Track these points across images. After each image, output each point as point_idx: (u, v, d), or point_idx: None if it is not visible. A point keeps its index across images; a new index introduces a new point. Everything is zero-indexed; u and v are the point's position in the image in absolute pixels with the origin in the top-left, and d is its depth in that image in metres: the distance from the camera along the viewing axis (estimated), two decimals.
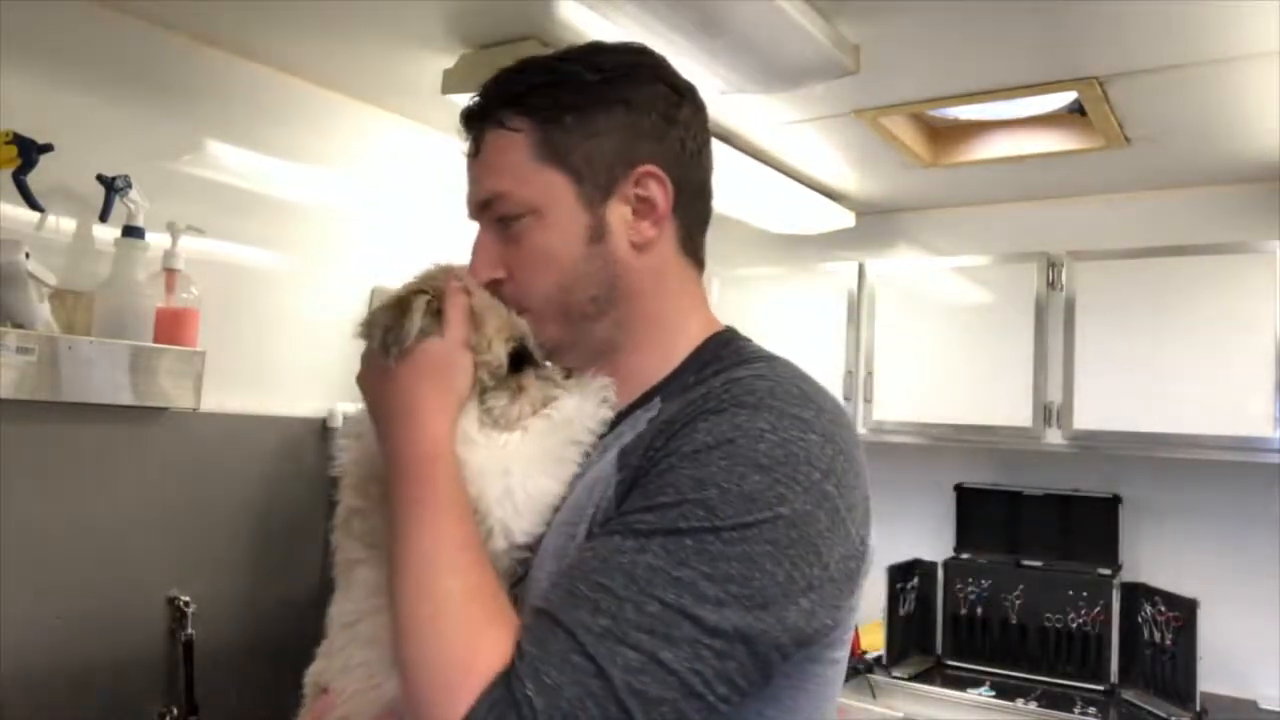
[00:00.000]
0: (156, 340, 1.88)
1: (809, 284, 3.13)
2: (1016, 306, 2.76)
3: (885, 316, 2.97)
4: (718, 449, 0.72)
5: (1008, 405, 2.73)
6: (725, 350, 0.89)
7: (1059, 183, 2.85)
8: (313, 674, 0.89)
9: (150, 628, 1.96)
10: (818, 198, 2.94)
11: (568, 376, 0.90)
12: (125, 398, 1.82)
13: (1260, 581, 2.62)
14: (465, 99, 0.92)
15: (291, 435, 2.24)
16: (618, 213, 0.87)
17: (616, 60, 0.89)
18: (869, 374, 2.96)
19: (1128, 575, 2.73)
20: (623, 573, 0.69)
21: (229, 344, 2.07)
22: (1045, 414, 2.68)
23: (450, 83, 2.01)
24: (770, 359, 0.85)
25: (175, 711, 1.96)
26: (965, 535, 3.00)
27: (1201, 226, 2.70)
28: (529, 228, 0.87)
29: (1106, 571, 2.72)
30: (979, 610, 2.83)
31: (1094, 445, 2.65)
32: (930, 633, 2.90)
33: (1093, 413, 2.62)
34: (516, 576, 0.82)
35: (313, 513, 2.24)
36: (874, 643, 2.78)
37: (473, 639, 0.71)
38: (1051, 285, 2.72)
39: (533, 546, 0.82)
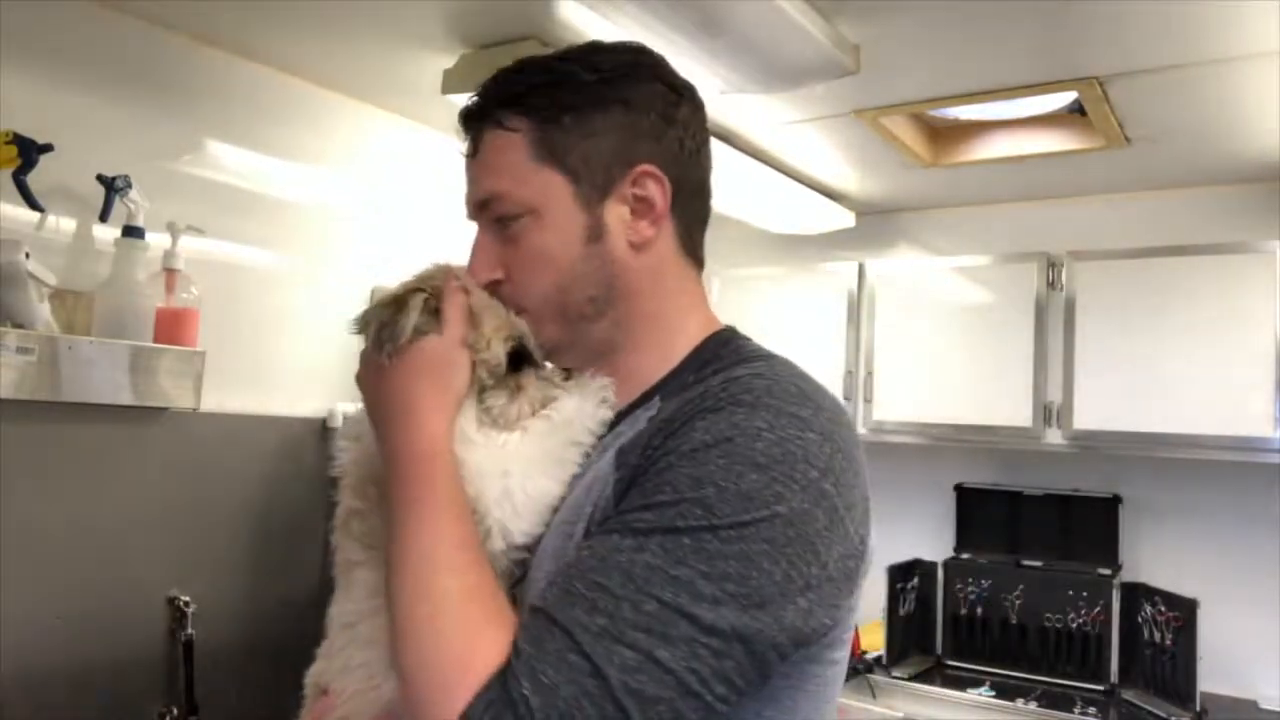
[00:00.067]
0: (156, 340, 1.88)
1: (809, 284, 3.13)
2: (1016, 306, 2.76)
3: (885, 316, 2.97)
4: (715, 447, 0.72)
5: (1008, 405, 2.73)
6: (724, 349, 0.89)
7: (1059, 183, 2.85)
8: (313, 675, 0.89)
9: (150, 628, 1.96)
10: (818, 198, 2.94)
11: (567, 377, 0.90)
12: (125, 398, 1.82)
13: (1260, 581, 2.62)
14: (465, 99, 0.92)
15: (291, 435, 2.24)
16: (616, 212, 0.87)
17: (615, 60, 0.89)
18: (869, 374, 2.96)
19: (1128, 575, 2.73)
20: (620, 571, 0.69)
21: (229, 344, 2.07)
22: (1045, 414, 2.68)
23: (450, 83, 2.01)
24: (769, 357, 0.85)
25: (175, 711, 1.96)
26: (965, 535, 3.00)
27: (1201, 226, 2.70)
28: (527, 228, 0.87)
29: (1106, 571, 2.72)
30: (979, 610, 2.83)
31: (1094, 445, 2.65)
32: (930, 633, 2.90)
33: (1093, 413, 2.62)
34: (515, 577, 0.82)
35: (313, 513, 2.24)
36: (874, 643, 2.78)
37: (470, 638, 0.71)
38: (1051, 285, 2.72)
39: (531, 547, 0.82)
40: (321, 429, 2.30)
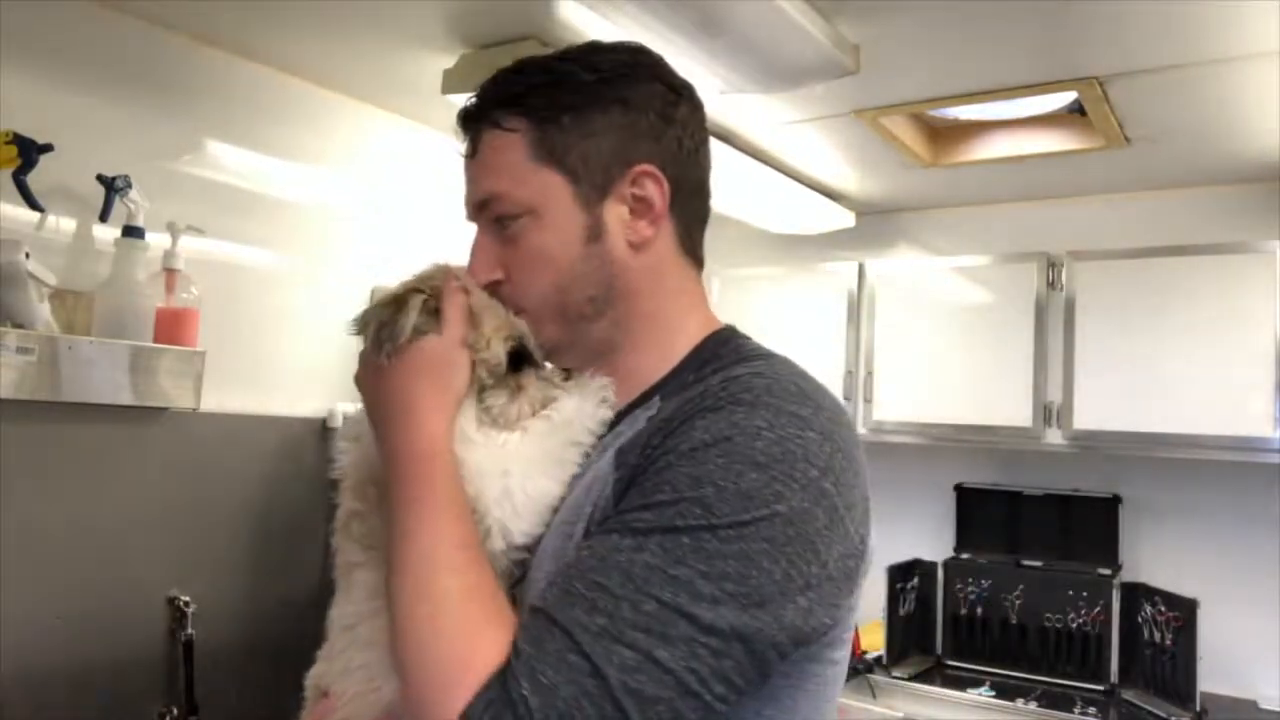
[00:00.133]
0: (156, 340, 1.88)
1: (809, 284, 3.13)
2: (1016, 306, 2.76)
3: (885, 316, 2.97)
4: (715, 447, 0.72)
5: (1008, 405, 2.73)
6: (724, 348, 0.89)
7: (1059, 183, 2.85)
8: (313, 677, 0.89)
9: (150, 628, 1.96)
10: (818, 198, 2.94)
11: (567, 377, 0.90)
12: (125, 398, 1.82)
13: (1260, 581, 2.62)
14: (465, 99, 0.92)
15: (291, 435, 2.24)
16: (615, 212, 0.87)
17: (613, 60, 0.89)
18: (869, 374, 2.96)
19: (1128, 575, 2.73)
20: (619, 571, 0.69)
21: (229, 344, 2.07)
22: (1045, 414, 2.68)
23: (450, 83, 2.01)
24: (769, 356, 0.85)
25: (175, 711, 1.96)
26: (965, 535, 3.00)
27: (1201, 226, 2.70)
28: (526, 228, 0.87)
29: (1106, 571, 2.72)
30: (979, 610, 2.83)
31: (1094, 445, 2.65)
32: (930, 633, 2.90)
33: (1093, 413, 2.62)
34: (515, 577, 0.82)
35: (313, 513, 2.24)
36: (874, 643, 2.78)
37: (470, 638, 0.71)
38: (1051, 285, 2.72)
39: (531, 548, 0.82)
40: (321, 429, 2.30)
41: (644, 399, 0.87)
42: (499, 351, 0.85)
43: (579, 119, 0.86)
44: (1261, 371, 2.40)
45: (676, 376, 0.88)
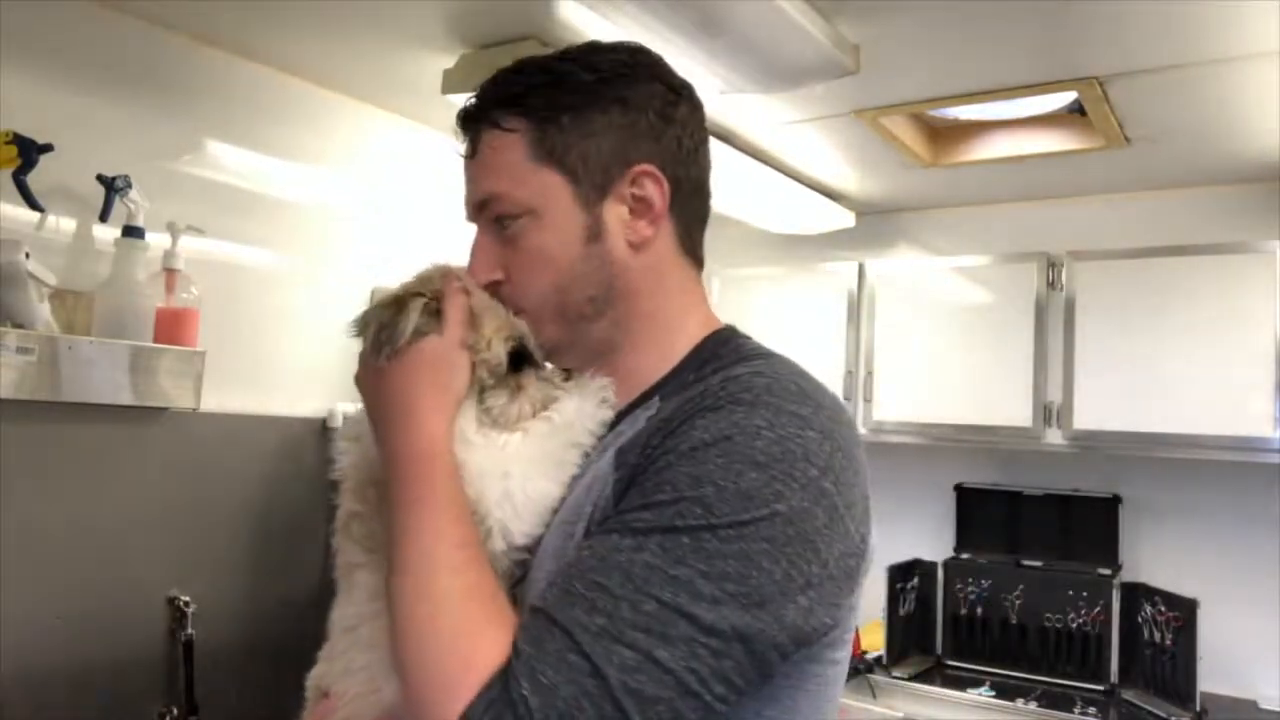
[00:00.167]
0: (156, 340, 1.88)
1: (809, 284, 3.13)
2: (1016, 306, 2.76)
3: (885, 316, 2.97)
4: (714, 446, 0.72)
5: (1008, 405, 2.73)
6: (724, 348, 0.88)
7: (1059, 183, 2.85)
8: (314, 677, 0.89)
9: (150, 628, 1.96)
10: (818, 198, 2.94)
11: (567, 378, 0.90)
12: (125, 398, 1.82)
13: (1260, 581, 2.62)
14: (465, 99, 0.92)
15: (291, 435, 2.24)
16: (614, 212, 0.87)
17: (613, 60, 0.89)
18: (869, 374, 2.96)
19: (1128, 575, 2.73)
20: (619, 571, 0.69)
21: (229, 344, 2.07)
22: (1045, 414, 2.68)
23: (450, 83, 2.01)
24: (769, 356, 0.85)
25: (175, 711, 1.96)
26: (965, 535, 3.00)
27: (1201, 226, 2.70)
28: (526, 228, 0.87)
29: (1106, 571, 2.72)
30: (979, 610, 2.83)
31: (1094, 445, 2.65)
32: (930, 633, 2.90)
33: (1093, 413, 2.62)
34: (516, 577, 0.82)
35: (313, 513, 2.24)
36: (874, 643, 2.78)
37: (471, 638, 0.71)
38: (1051, 285, 2.72)
39: (531, 548, 0.82)
40: (321, 429, 2.30)
41: (644, 399, 0.87)
42: (499, 352, 0.85)
43: (578, 119, 0.86)
44: (1261, 371, 2.40)
45: (676, 376, 0.88)
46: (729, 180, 2.59)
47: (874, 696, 2.65)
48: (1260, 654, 2.58)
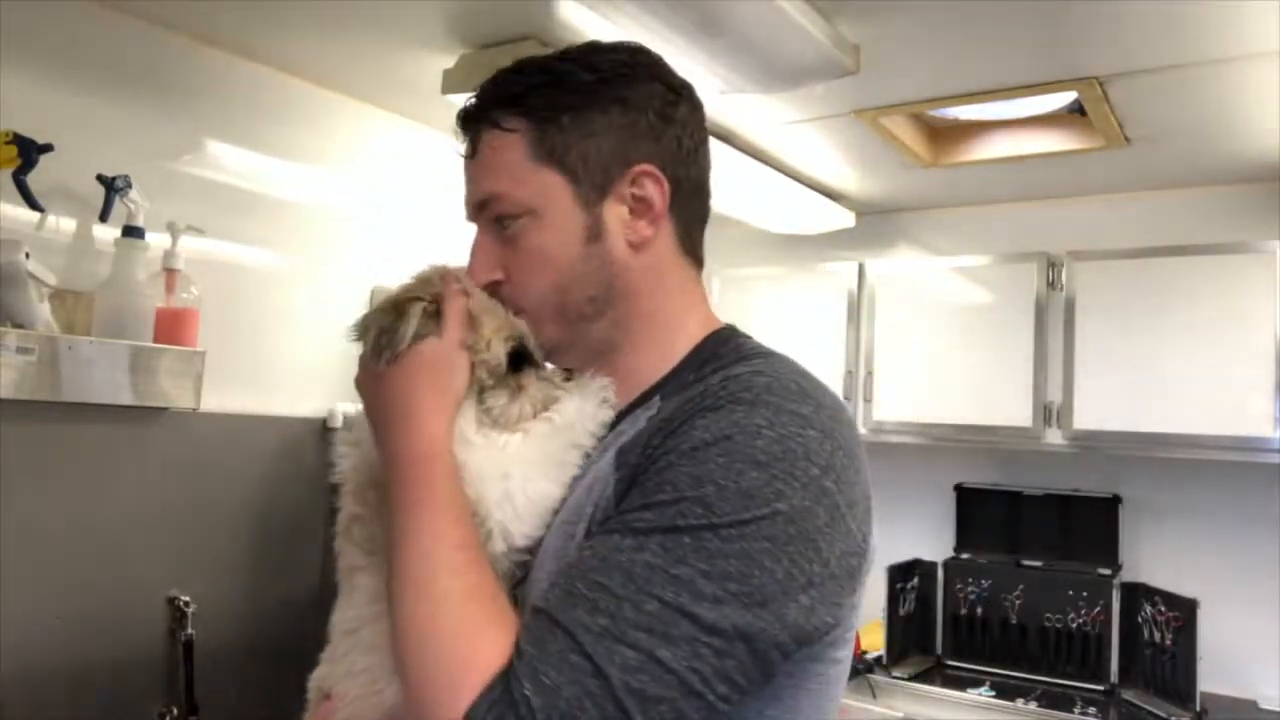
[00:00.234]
0: (156, 340, 1.88)
1: (809, 284, 3.13)
2: (1016, 306, 2.76)
3: (885, 316, 2.97)
4: (715, 446, 0.72)
5: (1008, 405, 2.73)
6: (724, 348, 0.88)
7: (1059, 183, 2.85)
8: (316, 679, 0.89)
9: (150, 628, 1.96)
10: (818, 198, 2.94)
11: (568, 377, 0.90)
12: (125, 398, 1.82)
13: (1260, 581, 2.62)
14: (465, 99, 0.92)
15: (291, 435, 2.24)
16: (614, 212, 0.87)
17: (613, 60, 0.89)
18: (869, 374, 2.96)
19: (1128, 575, 2.73)
20: (621, 571, 0.69)
21: (229, 344, 2.07)
22: (1045, 414, 2.68)
23: (450, 83, 2.01)
24: (769, 355, 0.85)
25: (175, 711, 1.96)
26: (965, 535, 3.00)
27: (1201, 226, 2.70)
28: (526, 228, 0.87)
29: (1106, 571, 2.72)
30: (979, 610, 2.83)
31: (1094, 445, 2.65)
32: (930, 633, 2.90)
33: (1093, 413, 2.62)
34: (516, 578, 0.82)
35: (313, 513, 2.24)
36: (874, 643, 2.78)
37: (472, 639, 0.71)
38: (1051, 285, 2.72)
39: (532, 549, 0.82)
40: (321, 429, 2.30)
41: (644, 399, 0.87)
42: (499, 352, 0.85)
43: (578, 119, 0.86)
44: (1261, 371, 2.40)
45: (677, 376, 0.87)
46: (729, 180, 2.59)
47: (874, 696, 2.65)
48: (1260, 654, 2.58)
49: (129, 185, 1.84)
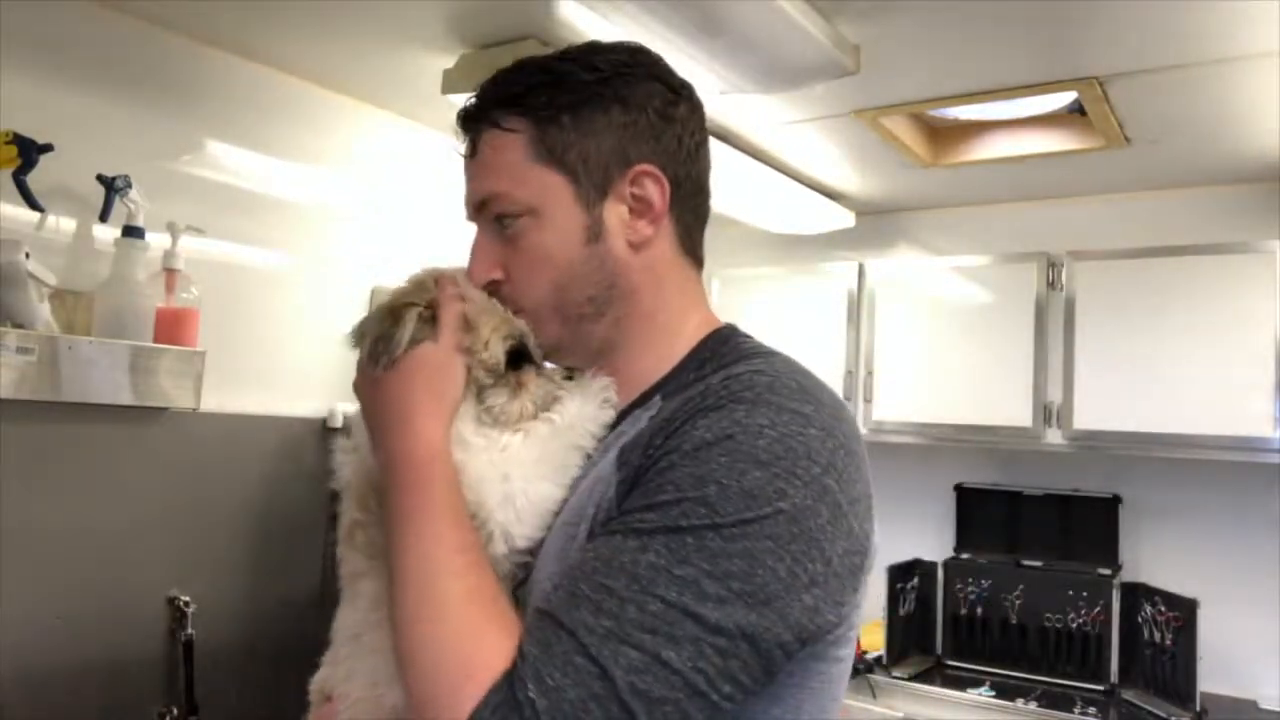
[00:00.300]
0: (156, 340, 1.88)
1: (809, 284, 3.13)
2: (1016, 306, 2.76)
3: (885, 316, 2.97)
4: (717, 445, 0.72)
5: (1008, 405, 2.73)
6: (724, 347, 0.88)
7: (1059, 183, 2.85)
8: (317, 681, 0.89)
9: (150, 628, 1.96)
10: (818, 198, 2.94)
11: (568, 376, 0.90)
12: (125, 398, 1.82)
13: (1260, 581, 2.62)
14: (465, 99, 0.92)
15: (291, 435, 2.24)
16: (615, 212, 0.87)
17: (613, 59, 0.89)
18: (869, 374, 2.96)
19: (1128, 575, 2.73)
20: (624, 573, 0.69)
21: (229, 344, 2.07)
22: (1045, 414, 2.68)
23: (450, 83, 2.01)
24: (769, 354, 0.85)
25: (175, 711, 1.96)
26: (965, 535, 3.00)
27: (1201, 226, 2.70)
28: (526, 228, 0.87)
29: (1106, 571, 2.72)
30: (979, 610, 2.83)
31: (1094, 445, 2.65)
32: (930, 633, 2.90)
33: (1093, 413, 2.62)
34: (518, 580, 0.82)
35: (313, 513, 2.24)
36: (874, 643, 2.78)
37: (474, 641, 0.71)
38: (1051, 285, 2.72)
39: (534, 550, 0.82)
40: (321, 429, 2.30)
41: (644, 398, 0.87)
42: (497, 351, 0.85)
43: (579, 118, 0.86)
44: (1261, 371, 2.40)
45: (677, 375, 0.87)
46: (729, 180, 2.59)
47: (874, 696, 2.65)
48: (1260, 654, 2.58)
49: (129, 185, 1.84)
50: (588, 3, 1.68)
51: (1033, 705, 2.49)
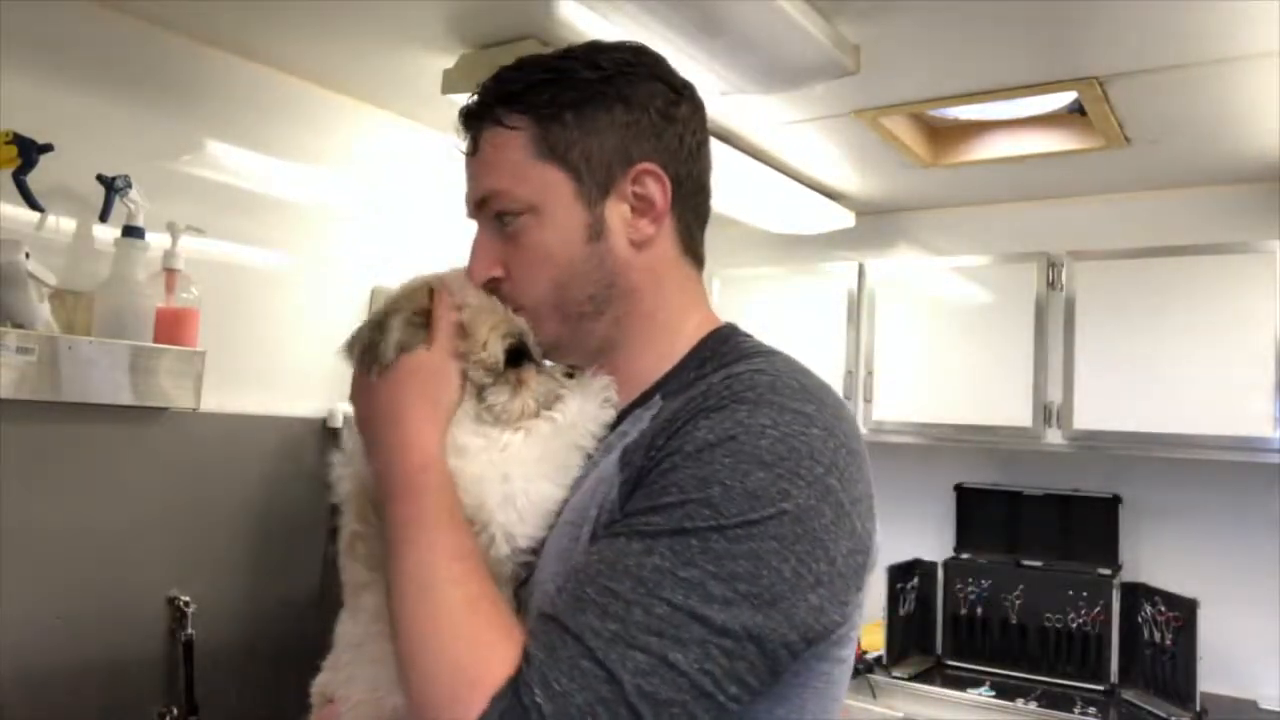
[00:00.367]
0: (156, 340, 1.88)
1: (809, 284, 3.13)
2: (1016, 306, 2.76)
3: (885, 316, 2.97)
4: (720, 446, 0.72)
5: (1008, 405, 2.73)
6: (724, 346, 0.88)
7: (1059, 183, 2.85)
8: (319, 684, 0.89)
9: (150, 628, 1.96)
10: (818, 198, 2.94)
11: (569, 374, 0.90)
12: (125, 398, 1.82)
13: (1260, 581, 2.62)
14: (466, 98, 0.92)
15: (291, 435, 2.24)
16: (616, 211, 0.87)
17: (615, 58, 0.89)
18: (869, 374, 2.96)
19: (1128, 575, 2.73)
20: (629, 575, 0.69)
21: (229, 344, 2.07)
22: (1045, 414, 2.68)
23: (450, 83, 2.01)
24: (770, 353, 0.84)
25: (175, 711, 1.96)
26: (965, 535, 3.00)
27: (1201, 226, 2.70)
28: (527, 226, 0.86)
29: (1106, 571, 2.72)
30: (979, 610, 2.83)
31: (1094, 445, 2.65)
32: (930, 633, 2.90)
33: (1093, 413, 2.62)
34: (519, 580, 0.82)
35: (313, 513, 2.24)
36: (874, 643, 2.78)
37: (476, 648, 0.70)
38: (1051, 285, 2.72)
39: (535, 551, 0.81)
40: (321, 429, 2.30)
41: (645, 398, 0.87)
42: (496, 350, 0.84)
43: (581, 117, 0.86)
44: (1261, 371, 2.40)
45: (677, 375, 0.87)
46: (729, 180, 2.58)
47: (874, 696, 2.65)
48: (1260, 654, 2.58)
49: (129, 185, 1.84)
50: (588, 3, 1.68)
51: (1033, 705, 2.49)
